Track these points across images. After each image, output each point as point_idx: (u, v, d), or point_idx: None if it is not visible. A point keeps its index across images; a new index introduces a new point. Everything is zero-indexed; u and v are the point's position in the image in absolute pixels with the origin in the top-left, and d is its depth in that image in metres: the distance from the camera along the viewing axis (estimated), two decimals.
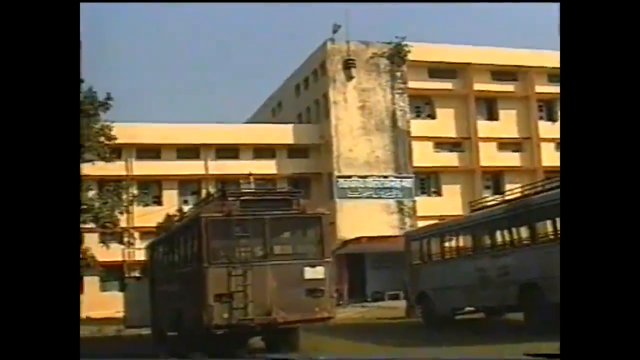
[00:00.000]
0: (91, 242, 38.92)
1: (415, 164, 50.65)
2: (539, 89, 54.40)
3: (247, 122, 63.69)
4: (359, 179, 49.24)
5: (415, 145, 51.12)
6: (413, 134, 51.06)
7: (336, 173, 49.20)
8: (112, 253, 39.64)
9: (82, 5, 6.37)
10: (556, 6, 5.91)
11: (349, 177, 49.15)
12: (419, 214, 48.72)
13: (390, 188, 49.77)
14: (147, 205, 48.75)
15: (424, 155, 51.28)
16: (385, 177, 49.78)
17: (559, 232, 16.96)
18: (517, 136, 54.52)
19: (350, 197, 48.74)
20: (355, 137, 49.80)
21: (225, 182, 43.93)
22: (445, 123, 53.13)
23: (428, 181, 53.26)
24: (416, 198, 50.43)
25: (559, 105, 51.84)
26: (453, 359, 15.06)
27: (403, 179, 50.10)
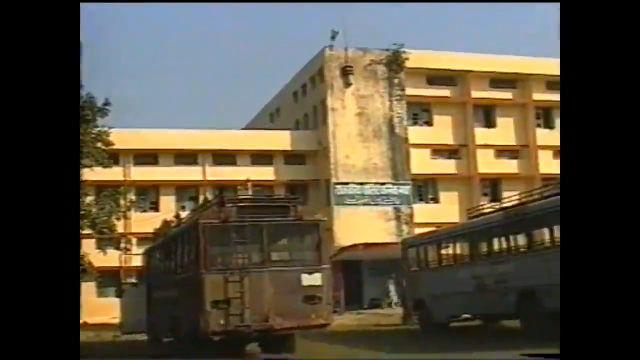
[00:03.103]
0: (88, 247, 38.66)
1: (412, 171, 50.54)
2: (536, 96, 54.44)
3: (245, 129, 63.64)
4: (357, 186, 49.16)
5: (413, 152, 51.02)
6: (410, 141, 50.96)
7: (333, 180, 49.11)
8: (109, 259, 39.45)
9: (81, 9, 6.37)
10: (554, 13, 5.92)
11: (347, 183, 49.08)
12: (416, 221, 48.66)
13: (388, 195, 49.69)
14: (144, 211, 48.83)
15: (422, 163, 51.24)
16: (383, 184, 49.70)
17: (557, 239, 16.96)
18: (514, 143, 54.53)
19: (348, 204, 48.62)
20: (353, 143, 49.73)
21: (222, 188, 43.84)
22: (442, 130, 53.14)
23: (425, 188, 53.21)
24: (413, 205, 50.32)
25: (557, 113, 52.01)
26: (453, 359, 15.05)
27: (400, 186, 50.02)
